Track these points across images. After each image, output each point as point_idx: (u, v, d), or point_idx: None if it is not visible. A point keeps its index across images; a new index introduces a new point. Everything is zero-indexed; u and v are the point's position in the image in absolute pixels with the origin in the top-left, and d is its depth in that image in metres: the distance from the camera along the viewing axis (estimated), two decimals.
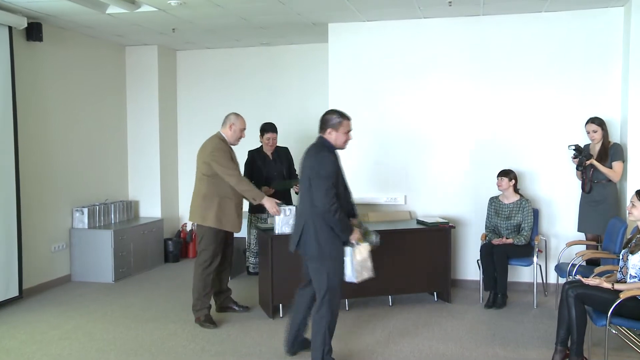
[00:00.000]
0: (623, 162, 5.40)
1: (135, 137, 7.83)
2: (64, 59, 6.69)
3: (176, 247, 7.78)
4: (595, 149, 5.50)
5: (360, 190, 6.34)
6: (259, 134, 6.32)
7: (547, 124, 6.09)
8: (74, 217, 6.79)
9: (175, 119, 8.23)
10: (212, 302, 5.33)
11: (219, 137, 5.15)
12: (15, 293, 5.84)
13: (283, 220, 5.09)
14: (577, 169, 5.52)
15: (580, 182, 5.65)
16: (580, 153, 5.44)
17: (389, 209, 6.40)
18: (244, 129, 5.18)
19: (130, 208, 7.57)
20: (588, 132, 5.52)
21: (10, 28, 5.74)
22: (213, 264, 5.08)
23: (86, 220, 6.75)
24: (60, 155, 6.63)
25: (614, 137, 5.75)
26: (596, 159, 5.38)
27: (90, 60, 7.13)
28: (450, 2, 5.58)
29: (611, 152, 5.38)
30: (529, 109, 6.13)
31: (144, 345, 4.66)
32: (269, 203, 5.00)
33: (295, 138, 7.32)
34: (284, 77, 7.85)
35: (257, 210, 6.25)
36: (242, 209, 5.15)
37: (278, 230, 5.13)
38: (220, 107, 7.66)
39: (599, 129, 5.44)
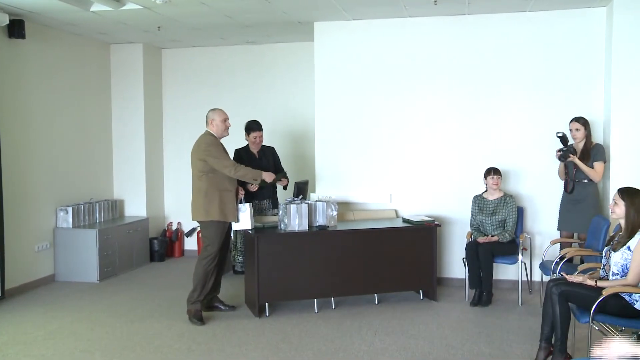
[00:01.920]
0: (604, 162, 5.44)
1: (120, 135, 7.79)
2: (48, 57, 6.63)
3: (162, 246, 7.76)
4: (579, 147, 5.54)
5: (345, 189, 6.45)
6: (245, 132, 6.29)
7: (531, 123, 6.14)
8: (58, 216, 6.74)
9: (161, 118, 8.19)
10: None
11: (209, 134, 5.23)
12: None
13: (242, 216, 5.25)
14: (559, 159, 5.52)
15: (563, 182, 5.68)
16: (566, 142, 5.46)
17: (375, 207, 6.41)
18: (226, 118, 5.26)
19: (115, 207, 7.53)
20: (571, 130, 5.57)
21: None
22: (217, 258, 5.18)
23: (70, 220, 6.70)
24: (44, 154, 6.58)
25: (597, 138, 5.80)
26: (579, 158, 5.41)
27: (75, 59, 7.08)
28: (435, 1, 5.60)
29: (593, 152, 5.43)
30: (512, 108, 6.17)
31: (130, 345, 4.63)
32: (267, 175, 5.29)
33: (281, 136, 7.41)
34: (270, 75, 7.84)
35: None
36: (239, 202, 5.28)
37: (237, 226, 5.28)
38: (205, 105, 7.57)
39: (582, 127, 5.49)
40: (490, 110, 6.21)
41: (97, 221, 7.15)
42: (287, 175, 6.01)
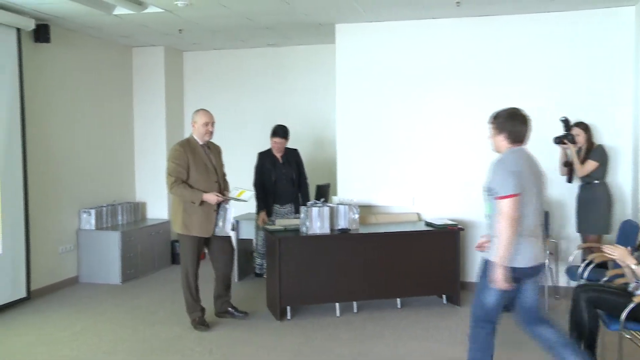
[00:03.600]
0: (598, 163, 5.45)
1: (142, 138, 7.83)
2: (71, 60, 6.70)
3: None
4: (582, 150, 5.58)
5: (367, 192, 6.39)
6: (270, 135, 6.30)
7: (556, 125, 6.01)
8: (81, 218, 6.78)
9: (182, 120, 8.18)
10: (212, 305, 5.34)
11: (187, 138, 5.14)
12: (23, 294, 5.85)
13: (221, 216, 4.98)
14: (554, 141, 5.58)
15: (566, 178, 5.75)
16: (569, 128, 5.51)
17: (397, 211, 6.36)
18: (207, 122, 5.02)
19: (137, 209, 7.58)
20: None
21: (18, 30, 5.76)
22: (191, 270, 5.02)
23: (93, 222, 6.74)
24: (67, 156, 6.64)
25: (623, 139, 5.74)
26: (582, 159, 5.50)
27: (98, 62, 7.14)
28: (458, 2, 5.53)
29: (592, 152, 5.49)
30: (538, 110, 5.99)
31: (151, 348, 4.65)
32: (209, 196, 4.88)
33: (302, 139, 7.33)
34: (291, 78, 7.83)
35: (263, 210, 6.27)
36: (213, 211, 4.96)
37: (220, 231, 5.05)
38: (227, 108, 7.71)
39: (581, 132, 5.55)
40: None
41: (120, 223, 7.18)
42: (245, 191, 5.23)
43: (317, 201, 5.53)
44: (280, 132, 6.20)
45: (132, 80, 7.80)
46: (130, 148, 7.78)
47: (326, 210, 5.32)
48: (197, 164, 4.97)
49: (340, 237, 5.39)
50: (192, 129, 5.11)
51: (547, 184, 3.80)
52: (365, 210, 6.21)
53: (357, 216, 5.53)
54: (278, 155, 6.34)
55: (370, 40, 6.43)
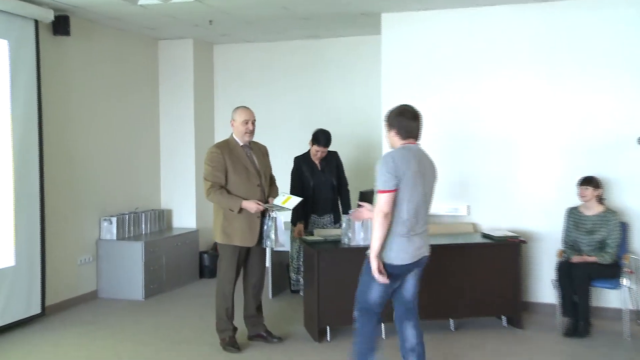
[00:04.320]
0: None
1: (168, 139, 7.89)
2: (93, 54, 6.77)
3: (212, 261, 7.64)
4: None
5: None
6: (311, 139, 6.28)
7: (636, 121, 5.79)
8: (101, 227, 6.83)
9: (212, 119, 8.26)
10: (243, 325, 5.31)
11: (226, 139, 5.16)
12: (38, 310, 5.87)
13: (270, 227, 4.92)
14: (638, 141, 5.39)
15: None
16: None
17: (450, 220, 6.29)
18: (246, 120, 5.00)
19: (162, 217, 7.60)
20: None
21: (36, 22, 5.82)
22: (229, 283, 5.05)
23: (115, 231, 6.78)
24: (87, 159, 6.69)
25: None
26: None
27: (121, 56, 7.21)
28: None
29: None
30: (611, 103, 5.87)
31: None
32: (248, 204, 4.86)
33: (344, 140, 7.27)
34: (331, 73, 7.83)
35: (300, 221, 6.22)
36: (257, 218, 4.95)
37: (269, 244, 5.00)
38: (260, 106, 7.53)
39: None
40: (585, 107, 5.94)
41: (143, 233, 7.21)
42: (294, 195, 5.20)
43: None
44: (323, 139, 6.16)
45: (158, 76, 7.86)
46: (155, 150, 7.84)
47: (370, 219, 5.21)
48: (236, 167, 4.97)
49: None
50: (232, 129, 5.12)
51: (437, 182, 4.05)
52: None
53: None
54: (317, 161, 6.30)
55: (420, 31, 6.38)
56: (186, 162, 7.83)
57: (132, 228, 7.04)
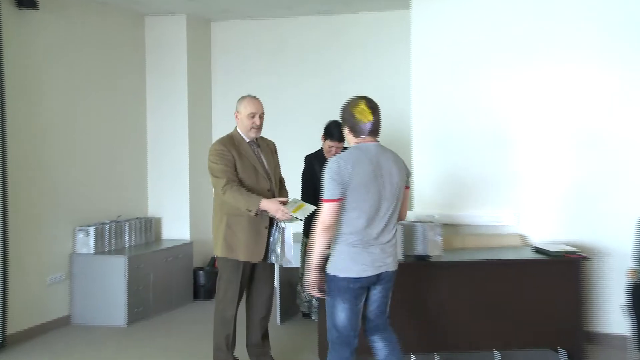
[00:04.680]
0: None
1: (157, 134, 7.84)
2: (66, 32, 6.69)
3: (209, 279, 7.66)
4: None
5: (452, 205, 6.31)
6: (323, 134, 6.21)
7: None
8: (76, 238, 6.75)
9: (210, 110, 8.26)
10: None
11: (229, 134, 5.11)
12: None
13: (277, 239, 4.90)
14: None
15: None
16: None
17: (494, 231, 6.14)
18: (253, 113, 4.94)
19: (149, 227, 7.55)
20: None
21: None
22: (231, 306, 4.99)
23: (92, 243, 6.69)
24: (59, 158, 6.61)
25: None
26: None
27: (99, 35, 7.15)
28: None
29: None
30: None
31: None
32: (270, 205, 4.72)
33: None
34: (350, 55, 7.79)
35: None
36: (265, 228, 4.90)
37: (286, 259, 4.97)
38: (267, 95, 7.53)
39: None
40: None
41: (126, 245, 7.17)
42: None
43: None
44: (337, 133, 6.03)
45: (145, 59, 7.82)
46: (141, 147, 7.80)
47: (399, 230, 5.02)
48: (245, 168, 4.93)
49: (416, 267, 5.27)
50: (236, 121, 5.07)
51: (409, 184, 4.14)
52: (451, 230, 6.09)
53: (439, 238, 5.42)
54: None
55: (458, 4, 6.31)
56: (178, 161, 7.78)
57: (113, 240, 6.98)
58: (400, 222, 5.30)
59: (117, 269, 6.61)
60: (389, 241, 3.99)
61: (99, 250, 6.73)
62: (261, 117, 4.99)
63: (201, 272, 7.68)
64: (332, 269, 3.88)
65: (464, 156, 6.29)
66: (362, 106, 3.98)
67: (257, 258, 4.91)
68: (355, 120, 3.94)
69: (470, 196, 6.27)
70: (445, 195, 6.31)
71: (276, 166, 5.19)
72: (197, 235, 7.80)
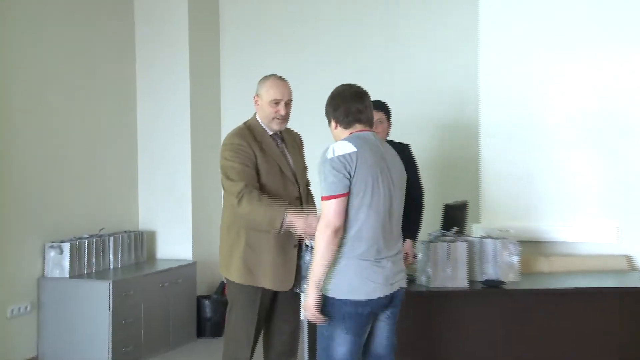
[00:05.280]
0: None
1: (149, 130, 7.89)
2: (39, 9, 6.73)
3: (217, 310, 7.61)
4: None
5: (532, 217, 6.36)
6: None
7: None
8: (46, 257, 6.66)
9: (218, 101, 8.31)
10: None
11: (247, 123, 4.89)
12: None
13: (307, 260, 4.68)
14: None
15: None
16: None
17: (587, 251, 6.14)
18: (276, 100, 4.71)
19: (140, 243, 7.53)
20: None
21: None
22: (245, 346, 4.77)
23: (67, 264, 6.60)
24: (27, 159, 6.61)
25: None
26: None
27: (79, 9, 7.18)
28: None
29: None
30: None
31: None
32: (298, 221, 4.44)
33: (420, 129, 7.34)
34: (399, 31, 7.75)
35: None
36: (294, 247, 4.70)
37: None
38: (290, 78, 7.34)
39: None
40: None
41: (111, 267, 7.12)
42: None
43: (446, 232, 5.47)
44: (378, 104, 5.82)
45: (135, 38, 7.88)
46: (130, 142, 7.85)
47: (462, 247, 5.20)
48: (270, 169, 4.70)
49: (486, 295, 5.28)
50: (255, 107, 4.84)
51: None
52: (530, 248, 6.04)
53: (516, 259, 5.39)
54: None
55: None
56: (178, 160, 7.79)
57: (93, 259, 6.91)
58: (465, 237, 5.29)
59: (98, 297, 6.49)
60: (399, 252, 3.98)
61: (75, 273, 6.63)
62: (287, 105, 4.75)
63: (207, 302, 7.63)
64: (333, 291, 3.76)
65: (547, 156, 6.31)
66: (350, 92, 4.02)
67: (286, 286, 4.68)
68: (343, 109, 3.97)
69: (555, 206, 6.27)
70: (523, 205, 6.34)
71: (303, 166, 4.99)
72: (201, 254, 7.79)
